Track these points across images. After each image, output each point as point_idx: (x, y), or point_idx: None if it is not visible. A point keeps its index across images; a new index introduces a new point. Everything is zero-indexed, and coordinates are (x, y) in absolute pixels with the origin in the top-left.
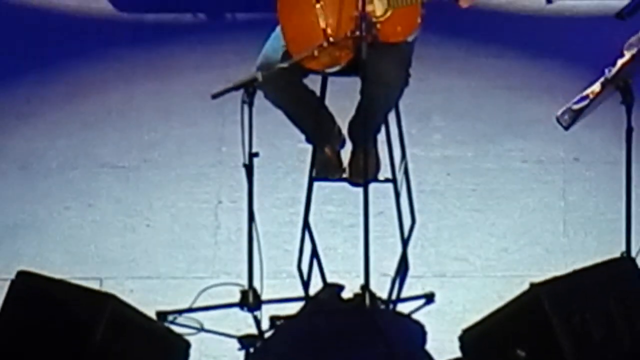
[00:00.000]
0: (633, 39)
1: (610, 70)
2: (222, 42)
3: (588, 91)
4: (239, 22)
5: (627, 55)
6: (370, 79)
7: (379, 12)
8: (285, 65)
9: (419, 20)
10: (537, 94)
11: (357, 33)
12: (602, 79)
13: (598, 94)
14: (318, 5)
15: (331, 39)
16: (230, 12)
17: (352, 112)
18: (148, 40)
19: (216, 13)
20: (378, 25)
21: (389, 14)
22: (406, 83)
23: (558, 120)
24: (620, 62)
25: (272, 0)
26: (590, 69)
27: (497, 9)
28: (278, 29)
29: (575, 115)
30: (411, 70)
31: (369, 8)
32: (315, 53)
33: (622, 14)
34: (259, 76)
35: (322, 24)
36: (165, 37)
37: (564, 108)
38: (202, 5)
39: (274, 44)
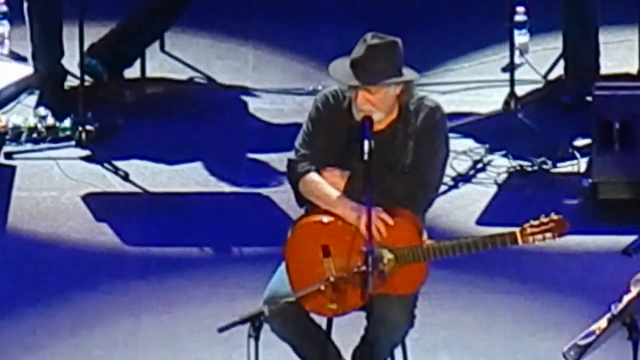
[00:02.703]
0: (639, 275)
1: (616, 306)
2: (229, 276)
3: (594, 327)
4: (246, 256)
5: (634, 291)
6: (375, 320)
7: (385, 260)
8: (292, 299)
9: (426, 275)
10: (543, 329)
11: (364, 268)
12: (608, 315)
13: (604, 330)
14: (326, 260)
15: (337, 275)
16: (237, 246)
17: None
18: (154, 273)
19: (222, 247)
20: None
21: (396, 269)
22: (411, 325)
23: (565, 356)
24: (626, 298)
25: (278, 234)
26: (597, 305)
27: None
28: (284, 263)
29: (582, 351)
30: (418, 304)
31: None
32: (322, 287)
33: (628, 251)
34: (266, 310)
35: (330, 277)
36: (172, 270)
37: (570, 344)
38: (208, 239)
39: (281, 278)
